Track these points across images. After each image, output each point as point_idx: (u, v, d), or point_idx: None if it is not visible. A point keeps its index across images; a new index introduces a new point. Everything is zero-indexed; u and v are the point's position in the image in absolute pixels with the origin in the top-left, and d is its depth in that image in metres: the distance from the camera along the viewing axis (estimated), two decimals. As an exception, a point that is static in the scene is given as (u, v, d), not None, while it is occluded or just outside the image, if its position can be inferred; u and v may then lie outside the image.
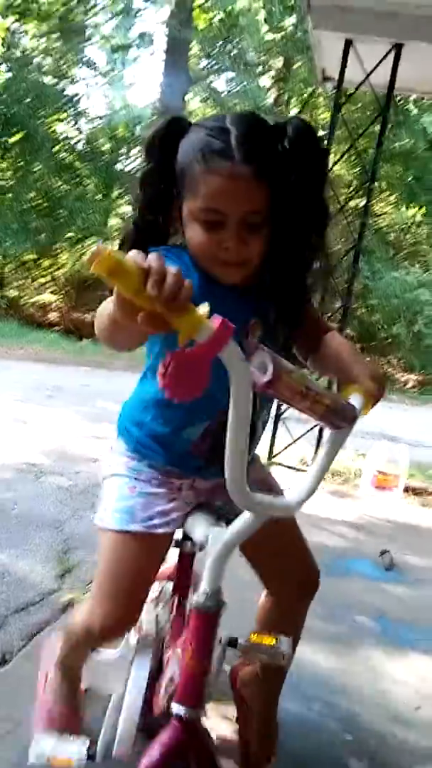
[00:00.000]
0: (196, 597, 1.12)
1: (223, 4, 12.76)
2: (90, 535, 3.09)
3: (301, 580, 1.51)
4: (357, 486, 4.75)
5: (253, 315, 1.26)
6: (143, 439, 1.38)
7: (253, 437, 1.36)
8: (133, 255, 0.85)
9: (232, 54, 13.03)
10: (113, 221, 12.93)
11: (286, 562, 1.50)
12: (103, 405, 6.40)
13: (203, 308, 0.88)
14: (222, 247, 1.14)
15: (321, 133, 13.21)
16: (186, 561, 1.57)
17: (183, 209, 1.18)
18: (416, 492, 4.85)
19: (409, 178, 12.22)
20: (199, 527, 1.33)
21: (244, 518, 1.11)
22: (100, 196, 12.68)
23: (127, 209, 12.67)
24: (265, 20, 12.87)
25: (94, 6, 12.73)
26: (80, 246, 12.97)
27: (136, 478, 1.39)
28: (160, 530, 1.36)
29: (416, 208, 13.09)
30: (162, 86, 13.00)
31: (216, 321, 0.86)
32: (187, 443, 1.34)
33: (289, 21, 12.48)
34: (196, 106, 15.11)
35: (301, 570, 1.51)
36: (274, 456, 4.45)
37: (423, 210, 12.73)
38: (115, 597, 1.37)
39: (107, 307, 0.99)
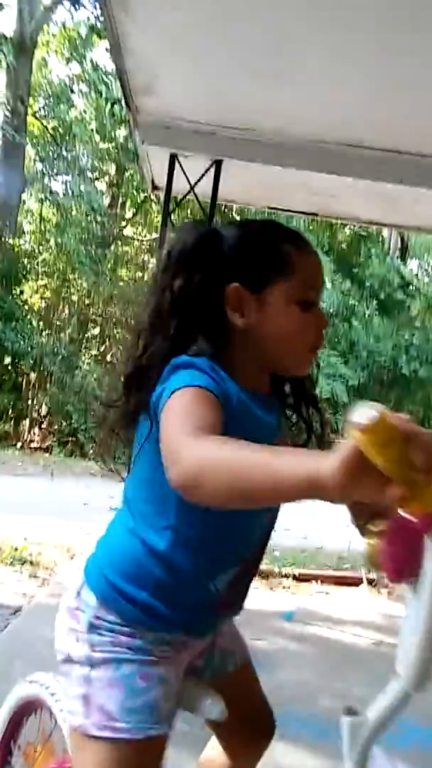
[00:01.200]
0: None
1: (56, 114, 13.33)
2: None
3: (267, 728, 1.34)
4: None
5: (277, 429, 1.17)
6: (151, 603, 1.07)
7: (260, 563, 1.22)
8: (395, 417, 0.67)
9: (67, 159, 13.52)
10: None
11: (253, 710, 1.32)
12: None
13: None
14: (318, 328, 1.12)
15: (154, 235, 13.76)
16: None
17: (268, 298, 1.10)
18: (263, 575, 4.94)
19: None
20: (202, 699, 1.16)
21: (393, 698, 0.91)
22: None
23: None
24: (97, 131, 13.60)
25: None
26: None
27: (145, 662, 1.07)
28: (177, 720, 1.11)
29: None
30: (-2, 186, 13.09)
31: None
32: (213, 597, 1.11)
33: (120, 132, 13.31)
34: (33, 206, 15.33)
35: (267, 717, 1.35)
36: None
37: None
38: None
39: (242, 463, 0.77)
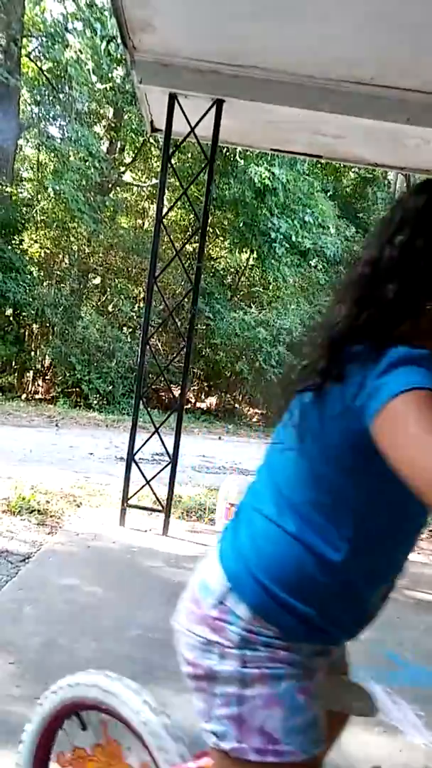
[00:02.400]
0: None
1: (50, 55, 12.86)
2: None
3: None
4: (212, 521, 4.83)
5: None
6: (316, 618, 0.96)
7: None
8: None
9: (63, 102, 13.12)
10: None
11: None
12: None
13: None
14: None
15: (154, 181, 13.43)
16: None
17: None
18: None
19: (240, 224, 12.93)
20: (352, 696, 1.10)
21: None
22: None
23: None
24: (94, 72, 13.15)
25: None
26: None
27: (302, 676, 0.97)
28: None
29: (248, 253, 13.86)
30: (-8, 132, 12.73)
31: None
32: (368, 612, 1.02)
33: (118, 73, 12.86)
34: (29, 152, 14.96)
35: None
36: (129, 498, 4.40)
37: (255, 254, 13.50)
38: None
39: None
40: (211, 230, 13.29)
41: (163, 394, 12.06)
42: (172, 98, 3.87)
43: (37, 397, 12.30)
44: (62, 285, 12.96)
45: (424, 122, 3.73)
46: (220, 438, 10.56)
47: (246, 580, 0.96)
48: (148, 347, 4.31)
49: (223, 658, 0.96)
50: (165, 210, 4.43)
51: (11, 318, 12.39)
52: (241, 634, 0.95)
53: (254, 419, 13.64)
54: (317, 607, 0.95)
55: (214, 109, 3.86)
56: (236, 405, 14.00)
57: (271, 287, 14.11)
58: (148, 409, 5.17)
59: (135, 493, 4.44)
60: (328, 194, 13.94)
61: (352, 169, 14.84)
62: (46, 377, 12.86)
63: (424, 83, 3.53)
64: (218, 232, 13.98)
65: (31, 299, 11.82)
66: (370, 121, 3.80)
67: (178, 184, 6.80)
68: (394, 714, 2.37)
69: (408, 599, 3.77)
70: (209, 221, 9.99)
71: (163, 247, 8.94)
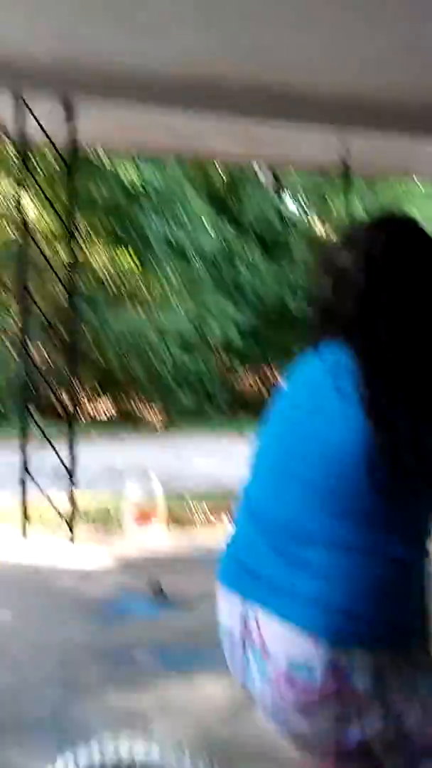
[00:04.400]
0: None
1: None
2: None
3: None
4: (119, 526, 4.75)
5: None
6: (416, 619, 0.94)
7: None
8: None
9: None
10: None
11: None
12: None
13: None
14: None
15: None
16: None
17: None
18: (177, 521, 5.00)
19: (115, 227, 12.77)
20: None
21: None
22: None
23: None
24: None
25: None
26: None
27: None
28: None
29: (127, 255, 13.72)
30: None
31: None
32: None
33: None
34: None
35: None
36: (27, 517, 4.25)
37: (133, 256, 13.40)
38: None
39: None
40: (86, 234, 13.04)
41: (58, 405, 11.73)
42: (19, 100, 3.73)
43: None
44: None
45: (277, 114, 3.83)
46: (121, 441, 10.44)
47: (345, 626, 0.86)
48: (30, 359, 4.19)
49: (365, 716, 0.85)
50: (31, 216, 4.29)
51: None
52: (373, 677, 0.85)
53: (152, 420, 13.58)
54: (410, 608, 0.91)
55: (65, 112, 3.78)
56: (134, 408, 13.87)
57: (153, 287, 14.07)
58: (43, 422, 4.99)
59: (33, 510, 4.29)
60: (200, 192, 14.05)
61: (222, 165, 15.00)
62: None
63: (279, 78, 3.58)
64: (93, 236, 13.74)
65: None
66: (226, 116, 3.86)
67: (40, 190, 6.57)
68: None
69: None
70: (82, 225, 9.65)
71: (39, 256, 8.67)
